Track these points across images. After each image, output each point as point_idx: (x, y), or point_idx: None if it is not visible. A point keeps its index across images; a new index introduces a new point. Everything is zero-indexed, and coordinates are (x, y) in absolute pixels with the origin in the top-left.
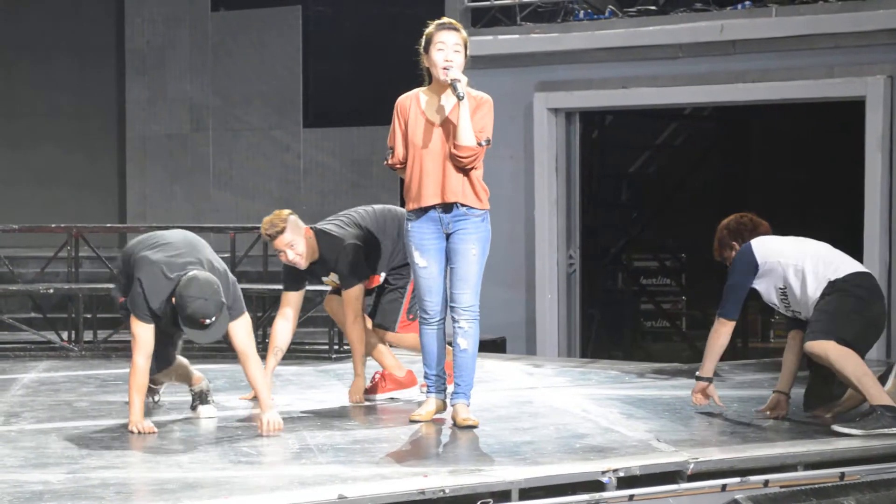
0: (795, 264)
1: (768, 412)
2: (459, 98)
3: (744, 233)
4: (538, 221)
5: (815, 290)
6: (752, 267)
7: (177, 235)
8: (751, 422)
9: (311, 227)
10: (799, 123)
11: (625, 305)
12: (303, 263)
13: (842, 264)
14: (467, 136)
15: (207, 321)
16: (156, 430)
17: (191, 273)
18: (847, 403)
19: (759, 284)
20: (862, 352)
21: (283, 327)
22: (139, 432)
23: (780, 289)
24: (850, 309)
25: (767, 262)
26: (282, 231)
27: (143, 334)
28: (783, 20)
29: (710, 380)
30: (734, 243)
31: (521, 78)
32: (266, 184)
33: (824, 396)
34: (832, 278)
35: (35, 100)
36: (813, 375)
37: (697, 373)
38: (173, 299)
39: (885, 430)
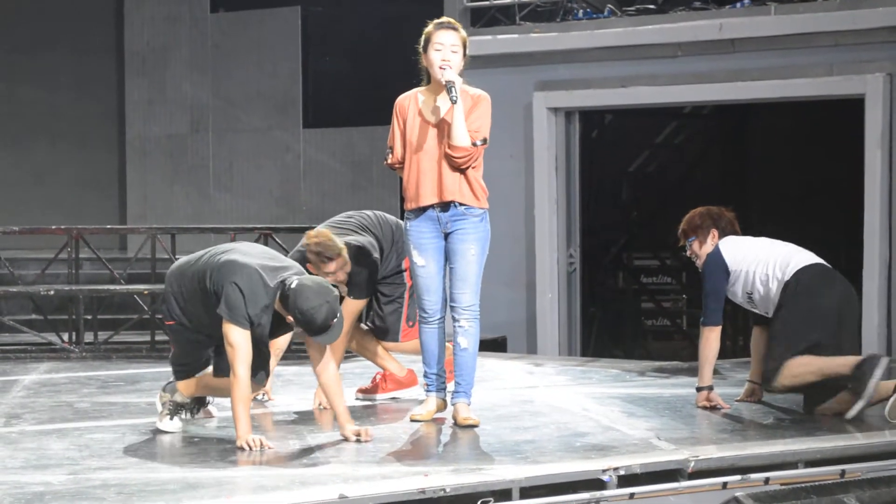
0: (762, 272)
1: (747, 399)
2: (453, 101)
3: (721, 222)
4: (538, 220)
5: (775, 294)
6: (725, 272)
7: (242, 244)
8: (751, 420)
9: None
10: (798, 121)
11: (625, 304)
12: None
13: (790, 262)
14: (461, 137)
15: (335, 320)
16: (271, 445)
17: (294, 283)
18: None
19: (729, 288)
20: (837, 343)
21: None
22: (251, 448)
23: (748, 293)
24: (802, 313)
25: (737, 269)
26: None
27: (244, 342)
28: (782, 18)
29: (710, 387)
30: (714, 231)
31: (521, 77)
32: (266, 184)
33: (820, 396)
34: (785, 280)
35: (35, 100)
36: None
37: (697, 384)
38: (289, 317)
39: (873, 379)
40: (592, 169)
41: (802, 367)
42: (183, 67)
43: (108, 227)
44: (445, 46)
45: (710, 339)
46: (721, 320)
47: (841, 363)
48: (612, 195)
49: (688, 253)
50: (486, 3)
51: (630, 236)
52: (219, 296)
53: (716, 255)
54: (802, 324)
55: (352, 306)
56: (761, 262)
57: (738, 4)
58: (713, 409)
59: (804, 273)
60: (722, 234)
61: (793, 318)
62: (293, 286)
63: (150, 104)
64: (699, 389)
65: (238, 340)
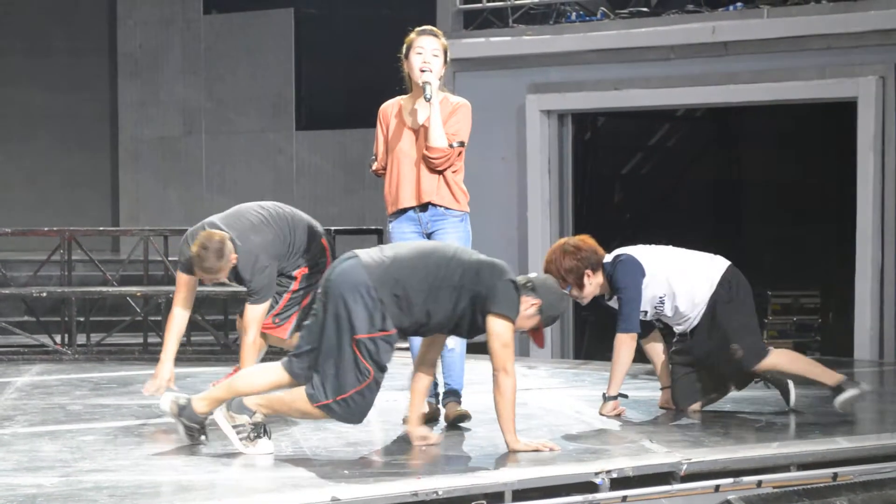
0: (687, 275)
1: (667, 406)
2: (427, 99)
3: (592, 258)
4: (531, 223)
5: (690, 308)
6: (642, 276)
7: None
8: (744, 422)
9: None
10: (791, 124)
11: None
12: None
13: (713, 266)
14: (438, 138)
15: None
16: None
17: (532, 285)
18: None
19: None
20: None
21: (184, 314)
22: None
23: (660, 297)
24: (746, 318)
25: (656, 274)
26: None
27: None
28: (775, 21)
29: (617, 396)
30: (588, 272)
31: (514, 80)
32: (259, 186)
33: (696, 392)
34: (717, 280)
35: (28, 102)
36: (680, 374)
37: (606, 392)
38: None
39: (849, 395)
40: (585, 171)
41: (789, 360)
42: (176, 69)
43: (101, 228)
44: (426, 51)
45: (632, 347)
46: (639, 327)
47: (828, 374)
48: (605, 198)
49: (584, 294)
50: (479, 5)
51: (623, 239)
52: (482, 294)
53: (631, 261)
54: (751, 314)
55: (253, 312)
56: (681, 269)
57: (731, 7)
58: (618, 417)
59: (732, 272)
60: (596, 264)
61: (744, 309)
62: (536, 288)
63: (142, 106)
64: (608, 399)
65: (508, 337)
